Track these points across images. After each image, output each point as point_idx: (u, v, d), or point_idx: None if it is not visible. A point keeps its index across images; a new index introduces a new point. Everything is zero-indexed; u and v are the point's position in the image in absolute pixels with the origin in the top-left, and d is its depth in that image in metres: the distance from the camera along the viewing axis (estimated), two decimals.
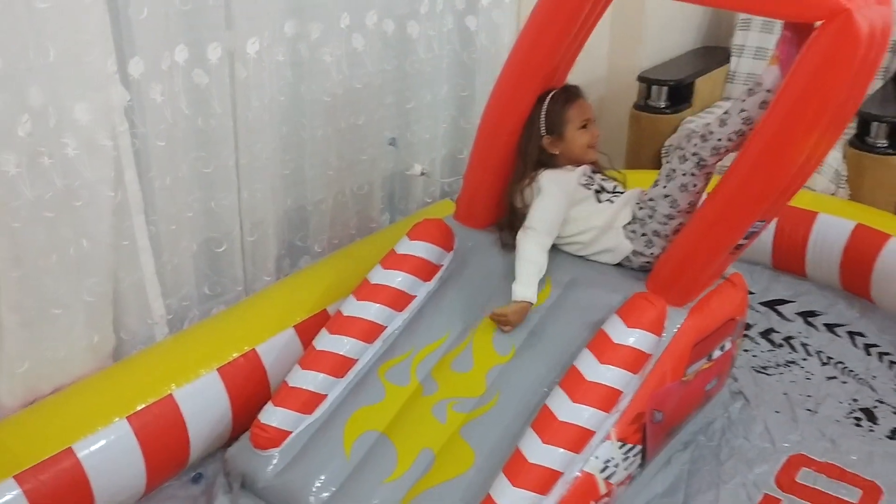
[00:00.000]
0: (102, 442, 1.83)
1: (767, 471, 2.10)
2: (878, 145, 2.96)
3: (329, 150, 2.47)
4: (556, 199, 2.08)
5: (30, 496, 1.70)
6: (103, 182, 1.88)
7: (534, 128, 2.11)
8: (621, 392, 1.84)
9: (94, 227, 1.89)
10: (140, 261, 2.06)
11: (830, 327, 2.67)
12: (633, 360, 1.87)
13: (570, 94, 2.12)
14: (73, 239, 1.86)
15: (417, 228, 2.23)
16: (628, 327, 1.89)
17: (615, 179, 2.20)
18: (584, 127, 2.11)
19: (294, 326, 2.20)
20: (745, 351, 2.54)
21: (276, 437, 1.97)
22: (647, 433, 1.91)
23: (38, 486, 1.72)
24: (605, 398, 1.82)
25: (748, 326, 2.64)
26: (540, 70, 2.09)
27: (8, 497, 1.68)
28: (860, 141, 3.00)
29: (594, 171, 2.17)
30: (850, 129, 3.10)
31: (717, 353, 2.08)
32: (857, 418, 2.29)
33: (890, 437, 2.22)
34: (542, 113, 2.10)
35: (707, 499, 2.02)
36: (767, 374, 2.46)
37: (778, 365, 2.50)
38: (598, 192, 2.12)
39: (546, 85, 2.13)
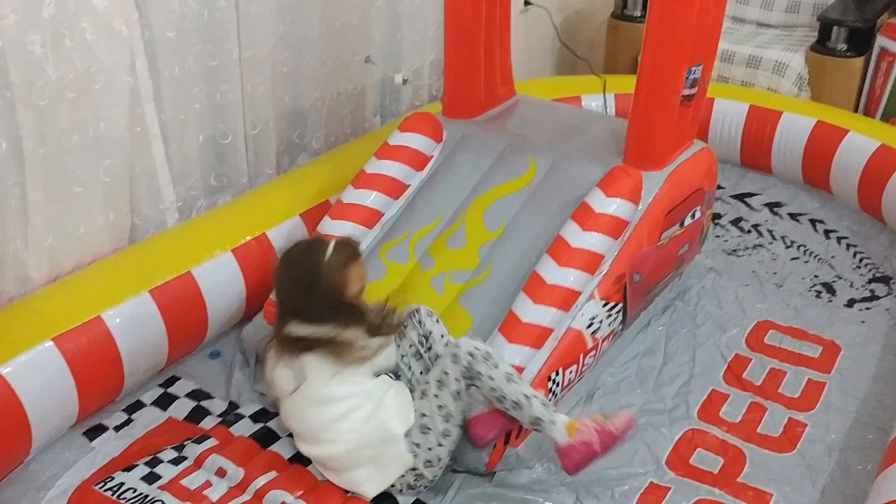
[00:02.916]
0: (128, 312, 1.95)
1: (738, 334, 2.29)
2: (839, 49, 3.12)
3: (325, 50, 2.55)
4: None
5: (66, 356, 1.83)
6: (119, 67, 1.96)
7: None
8: (603, 256, 2.00)
9: (111, 110, 1.98)
10: (151, 147, 2.16)
11: (794, 216, 2.85)
12: (614, 227, 2.03)
13: None
14: (92, 120, 1.96)
15: (408, 121, 2.35)
16: (608, 197, 2.04)
17: None
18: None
19: (300, 214, 2.31)
20: (717, 237, 2.73)
21: None
22: (628, 293, 2.09)
23: (73, 349, 1.85)
24: (589, 262, 1.98)
25: (719, 216, 2.82)
26: None
27: (48, 357, 1.81)
28: (821, 45, 3.15)
29: None
30: (811, 35, 3.26)
31: (688, 221, 2.25)
32: (818, 291, 2.49)
33: (847, 306, 2.42)
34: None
35: (684, 358, 2.21)
36: (738, 256, 2.65)
37: (747, 248, 2.69)
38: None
39: None
